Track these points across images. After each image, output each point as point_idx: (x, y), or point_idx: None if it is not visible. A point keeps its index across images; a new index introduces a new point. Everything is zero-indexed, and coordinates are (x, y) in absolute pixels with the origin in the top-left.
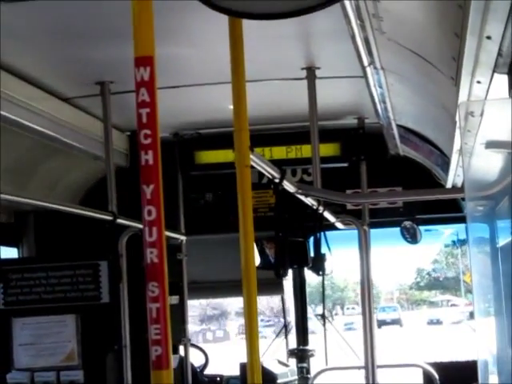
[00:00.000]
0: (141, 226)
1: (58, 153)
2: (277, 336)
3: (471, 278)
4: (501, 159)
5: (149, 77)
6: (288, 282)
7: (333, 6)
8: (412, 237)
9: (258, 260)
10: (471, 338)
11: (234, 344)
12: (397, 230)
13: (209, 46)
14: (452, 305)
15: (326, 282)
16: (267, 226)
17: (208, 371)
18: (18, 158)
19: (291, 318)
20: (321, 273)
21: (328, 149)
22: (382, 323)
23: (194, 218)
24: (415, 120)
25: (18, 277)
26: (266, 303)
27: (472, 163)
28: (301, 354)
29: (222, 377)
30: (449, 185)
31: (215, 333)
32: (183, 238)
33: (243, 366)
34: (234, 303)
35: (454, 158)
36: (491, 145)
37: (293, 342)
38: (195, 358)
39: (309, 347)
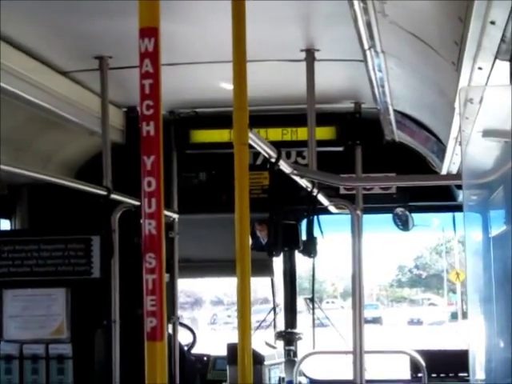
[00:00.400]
0: (134, 202)
1: (54, 126)
2: (265, 318)
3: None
4: (497, 148)
5: (153, 48)
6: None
7: None
8: (404, 224)
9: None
10: (454, 340)
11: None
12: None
13: (209, 24)
14: (431, 304)
15: (304, 275)
16: (260, 208)
17: (195, 350)
18: (13, 130)
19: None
20: (312, 256)
21: (324, 132)
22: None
23: (187, 197)
24: (413, 105)
25: (10, 249)
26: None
27: (468, 151)
28: (288, 337)
29: (209, 356)
30: (444, 172)
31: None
32: (176, 216)
33: (230, 347)
34: (210, 291)
35: (451, 145)
36: (488, 133)
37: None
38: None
39: (297, 330)
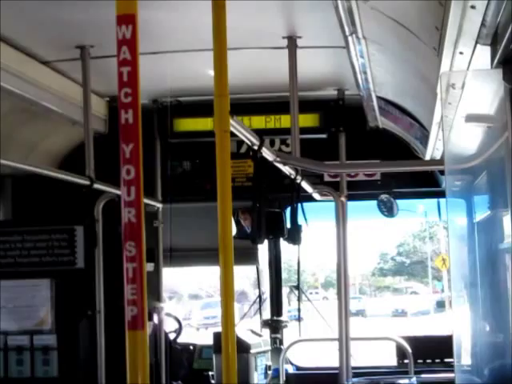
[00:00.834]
0: (117, 191)
1: (37, 117)
2: (254, 303)
3: (448, 258)
4: (480, 133)
5: (131, 35)
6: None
7: None
8: (389, 210)
9: (233, 230)
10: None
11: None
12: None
13: (190, 12)
14: (412, 292)
15: (282, 266)
16: (245, 196)
17: (181, 339)
18: None
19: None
20: (297, 243)
21: (307, 119)
22: None
23: (171, 186)
24: (395, 92)
25: None
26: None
27: (451, 136)
28: (274, 325)
29: (195, 345)
30: (427, 158)
31: None
32: (160, 205)
33: (216, 335)
34: (189, 285)
35: (434, 131)
36: (471, 118)
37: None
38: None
39: (282, 318)
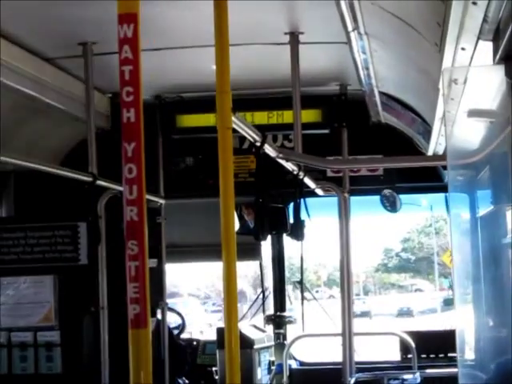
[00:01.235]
0: (120, 188)
1: (39, 113)
2: (254, 301)
3: (451, 255)
4: (482, 128)
5: (132, 34)
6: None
7: None
8: (391, 205)
9: (236, 225)
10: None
11: None
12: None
13: (192, 8)
14: (417, 290)
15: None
16: (247, 192)
17: (184, 335)
18: None
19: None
20: (300, 239)
21: (309, 115)
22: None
23: (173, 182)
24: (398, 87)
25: None
26: (212, 285)
27: (454, 131)
28: (278, 321)
29: (198, 341)
30: (430, 153)
31: None
32: (162, 201)
33: (220, 331)
34: (190, 283)
35: (436, 126)
36: (473, 113)
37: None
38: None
39: (286, 314)
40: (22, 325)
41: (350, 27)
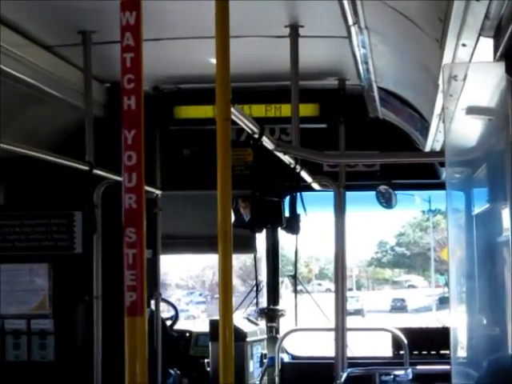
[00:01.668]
0: (117, 177)
1: (37, 101)
2: (248, 294)
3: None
4: (481, 125)
5: (134, 21)
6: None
7: None
8: (387, 201)
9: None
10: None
11: None
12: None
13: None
14: (410, 286)
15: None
16: (243, 185)
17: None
18: None
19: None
20: (295, 233)
21: (307, 109)
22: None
23: (170, 173)
24: (397, 82)
25: None
26: (197, 275)
27: (452, 128)
28: (271, 314)
29: (191, 332)
30: (427, 149)
31: None
32: (159, 192)
33: (213, 323)
34: (176, 273)
35: (434, 123)
36: (472, 111)
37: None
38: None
39: (279, 307)
40: (15, 312)
41: (350, 21)
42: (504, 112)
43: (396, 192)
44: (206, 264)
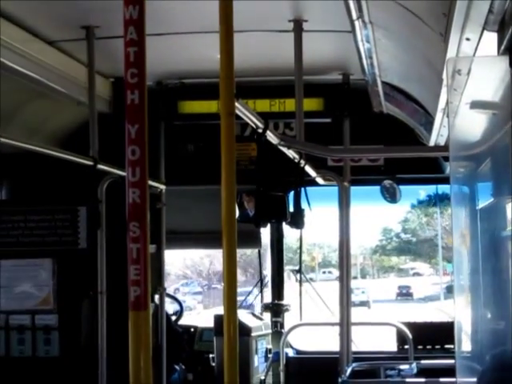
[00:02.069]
0: (121, 172)
1: (41, 96)
2: (252, 289)
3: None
4: (485, 120)
5: (138, 15)
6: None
7: None
8: (391, 196)
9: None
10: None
11: None
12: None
13: None
14: (415, 273)
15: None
16: (248, 180)
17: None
18: None
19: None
20: (300, 227)
21: (312, 103)
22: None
23: (174, 168)
24: (401, 77)
25: None
26: (192, 264)
27: (456, 123)
28: (276, 309)
29: (195, 327)
30: (431, 144)
31: None
32: (163, 187)
33: (217, 318)
34: (173, 263)
35: (439, 117)
36: (476, 105)
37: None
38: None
39: (284, 302)
40: (20, 308)
41: (354, 16)
42: (508, 106)
43: (400, 186)
44: (202, 253)
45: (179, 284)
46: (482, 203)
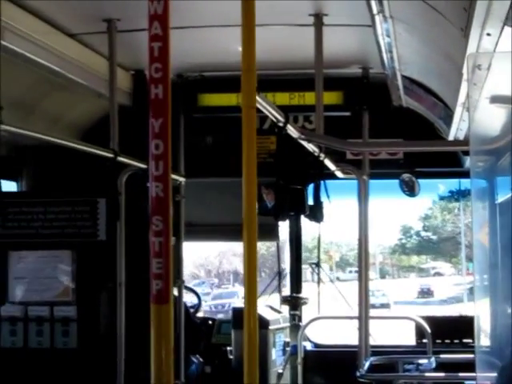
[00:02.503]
0: (141, 164)
1: (62, 89)
2: (271, 282)
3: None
4: (505, 114)
5: (162, 10)
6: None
7: None
8: (410, 189)
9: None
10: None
11: None
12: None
13: None
14: (436, 273)
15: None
16: (267, 172)
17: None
18: (21, 92)
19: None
20: (319, 220)
21: (331, 97)
22: (370, 306)
23: (193, 161)
24: (421, 71)
25: (16, 210)
26: (201, 263)
27: (476, 117)
28: (294, 302)
29: (214, 320)
30: (451, 138)
31: None
32: (182, 179)
33: (235, 310)
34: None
35: (458, 111)
36: (496, 100)
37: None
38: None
39: (302, 295)
40: (38, 299)
41: (375, 10)
42: None
43: (419, 180)
44: (212, 251)
45: (191, 284)
46: (502, 197)
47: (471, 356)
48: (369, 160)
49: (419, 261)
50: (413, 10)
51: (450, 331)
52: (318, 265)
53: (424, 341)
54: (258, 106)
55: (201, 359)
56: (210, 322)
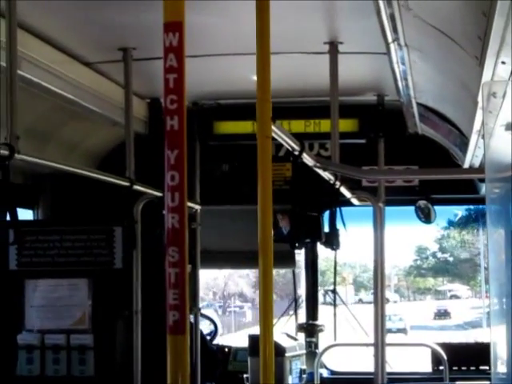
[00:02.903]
0: (157, 193)
1: (78, 117)
2: (286, 310)
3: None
4: None
5: (177, 42)
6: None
7: None
8: (426, 216)
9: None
10: None
11: None
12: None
13: (233, 16)
14: (453, 296)
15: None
16: (282, 199)
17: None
18: (37, 121)
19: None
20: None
21: (346, 124)
22: (387, 331)
23: (209, 188)
24: (436, 99)
25: (33, 238)
26: (206, 287)
27: (491, 144)
28: (310, 329)
29: (230, 347)
30: (466, 165)
31: None
32: (198, 207)
33: (252, 338)
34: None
35: (473, 139)
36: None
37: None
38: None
39: (318, 322)
40: (55, 327)
41: (390, 38)
42: None
43: (435, 207)
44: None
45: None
46: None
47: (487, 383)
48: (384, 187)
49: (435, 283)
50: (427, 38)
51: (467, 358)
52: (334, 292)
53: (440, 368)
54: (274, 135)
55: None
56: (226, 350)
